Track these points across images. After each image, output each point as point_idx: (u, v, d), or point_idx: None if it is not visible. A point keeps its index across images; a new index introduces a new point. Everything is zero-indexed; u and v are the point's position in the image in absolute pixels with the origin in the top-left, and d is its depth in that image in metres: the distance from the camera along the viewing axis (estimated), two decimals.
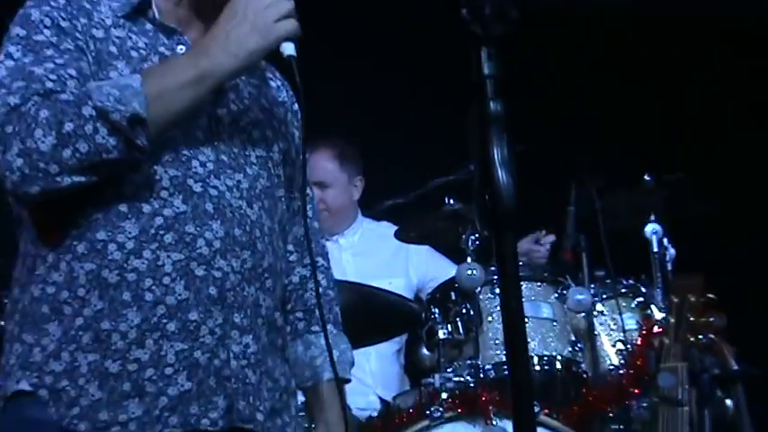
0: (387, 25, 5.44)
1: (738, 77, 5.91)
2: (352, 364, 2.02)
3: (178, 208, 1.68)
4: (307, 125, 1.92)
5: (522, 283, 3.03)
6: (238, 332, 1.70)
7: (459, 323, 3.05)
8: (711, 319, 2.81)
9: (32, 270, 1.72)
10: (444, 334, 3.06)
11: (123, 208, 1.67)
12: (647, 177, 3.57)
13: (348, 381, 2.00)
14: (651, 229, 3.43)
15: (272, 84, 1.99)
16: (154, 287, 1.65)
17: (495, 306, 3.04)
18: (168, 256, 1.66)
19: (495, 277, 2.93)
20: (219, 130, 1.78)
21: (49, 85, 1.64)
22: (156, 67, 1.74)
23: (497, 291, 2.98)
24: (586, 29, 5.86)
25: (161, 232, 1.67)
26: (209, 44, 1.70)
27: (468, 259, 3.06)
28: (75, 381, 1.62)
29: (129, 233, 1.66)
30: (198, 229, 1.68)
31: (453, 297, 3.09)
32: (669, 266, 3.40)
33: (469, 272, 2.95)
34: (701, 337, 2.82)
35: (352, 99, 5.04)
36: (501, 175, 1.33)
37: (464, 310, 3.05)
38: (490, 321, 3.05)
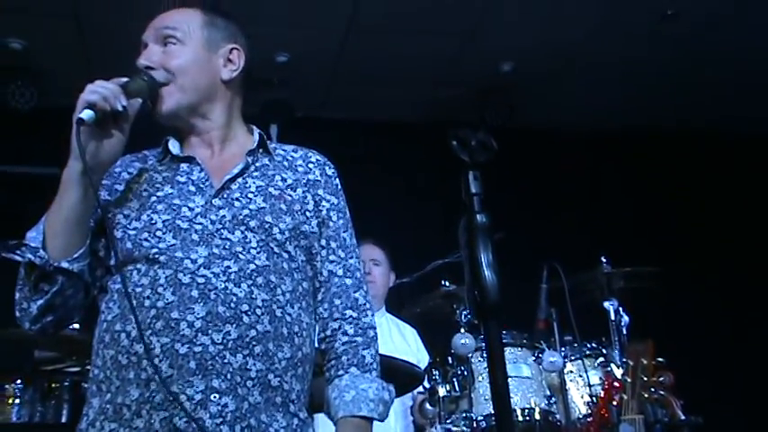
0: (402, 149, 5.58)
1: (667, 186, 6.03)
2: (376, 401, 1.80)
3: (168, 299, 1.67)
4: None
5: (505, 348, 3.02)
6: (218, 395, 1.63)
7: (456, 383, 3.01)
8: (661, 378, 2.76)
9: (92, 357, 1.77)
10: (444, 392, 3.02)
11: (133, 303, 1.68)
12: (603, 260, 3.56)
13: (366, 417, 1.79)
14: (609, 302, 3.42)
15: (300, 168, 1.91)
16: (148, 367, 1.63)
17: (485, 368, 2.99)
18: (158, 341, 1.64)
19: (484, 344, 2.88)
20: (218, 228, 1.74)
21: None
22: None
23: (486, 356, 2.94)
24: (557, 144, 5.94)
25: (154, 321, 1.66)
26: None
27: (462, 330, 3.05)
28: None
29: (134, 324, 1.65)
30: (182, 314, 1.65)
31: (450, 361, 3.06)
32: (624, 331, 3.38)
33: (463, 341, 2.96)
34: (653, 390, 2.77)
35: (374, 204, 5.13)
36: (487, 274, 1.34)
37: (459, 372, 3.02)
38: (480, 381, 3.01)
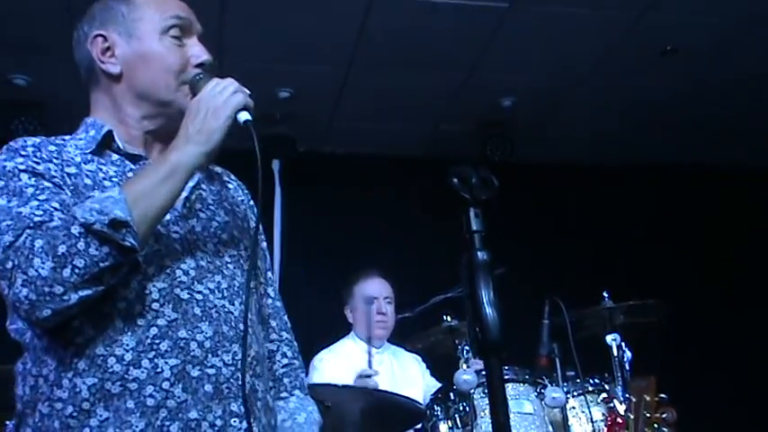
0: (403, 183, 5.60)
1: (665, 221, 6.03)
2: (318, 422, 1.77)
3: (170, 316, 1.51)
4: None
5: (507, 384, 3.01)
6: (238, 419, 1.51)
7: (458, 419, 3.01)
8: (664, 415, 2.73)
9: (35, 389, 1.50)
10: (446, 428, 3.01)
11: (119, 323, 1.48)
12: (605, 294, 3.55)
13: None
14: (611, 337, 3.41)
15: (230, 186, 1.80)
16: (155, 392, 1.46)
17: (487, 404, 2.97)
18: (166, 363, 1.48)
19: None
20: (194, 238, 1.60)
21: (37, 218, 1.44)
22: (132, 176, 1.58)
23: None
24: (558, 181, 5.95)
25: (156, 341, 1.48)
26: (177, 142, 1.52)
27: (464, 366, 3.04)
28: None
29: (127, 345, 1.47)
30: (190, 332, 1.51)
31: (452, 397, 3.05)
32: (627, 366, 3.36)
33: (465, 377, 2.94)
34: (656, 427, 2.74)
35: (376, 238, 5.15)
36: (489, 312, 1.34)
37: (461, 408, 3.01)
38: (483, 417, 2.99)
